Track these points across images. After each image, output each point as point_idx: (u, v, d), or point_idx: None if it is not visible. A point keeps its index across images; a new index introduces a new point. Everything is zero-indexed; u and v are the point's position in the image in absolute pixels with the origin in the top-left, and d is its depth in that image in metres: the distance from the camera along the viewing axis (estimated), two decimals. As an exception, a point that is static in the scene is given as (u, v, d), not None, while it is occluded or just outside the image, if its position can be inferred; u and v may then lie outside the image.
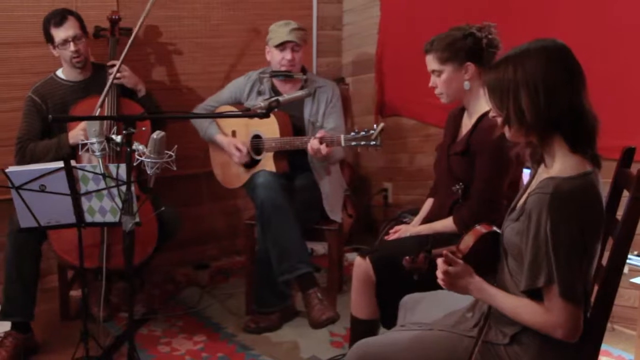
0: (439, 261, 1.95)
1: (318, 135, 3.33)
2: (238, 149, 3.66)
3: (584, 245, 1.79)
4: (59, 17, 3.40)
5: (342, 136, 3.23)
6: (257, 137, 3.64)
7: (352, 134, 3.18)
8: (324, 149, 3.29)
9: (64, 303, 3.68)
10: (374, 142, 3.12)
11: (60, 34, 3.40)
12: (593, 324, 1.92)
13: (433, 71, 2.73)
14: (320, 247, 4.53)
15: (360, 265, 2.72)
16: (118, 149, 2.69)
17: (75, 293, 3.76)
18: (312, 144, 3.32)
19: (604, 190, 1.93)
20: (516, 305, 1.88)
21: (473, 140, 2.66)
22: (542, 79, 1.81)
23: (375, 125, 3.13)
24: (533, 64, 1.82)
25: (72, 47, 3.41)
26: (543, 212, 1.77)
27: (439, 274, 1.95)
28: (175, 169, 2.49)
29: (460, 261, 1.95)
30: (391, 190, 4.85)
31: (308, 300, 3.34)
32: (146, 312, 3.74)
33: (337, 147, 3.33)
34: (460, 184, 2.69)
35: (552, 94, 1.81)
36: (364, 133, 3.14)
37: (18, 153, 3.46)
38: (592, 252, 1.85)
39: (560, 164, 1.85)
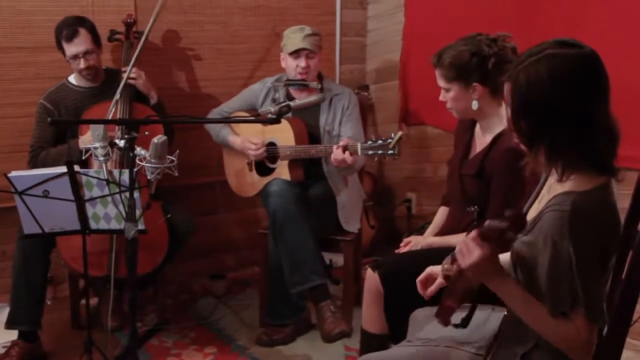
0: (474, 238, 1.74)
1: (342, 143, 3.17)
2: (253, 143, 3.52)
3: (605, 263, 1.68)
4: (70, 30, 3.31)
5: (359, 145, 3.10)
6: (272, 144, 3.53)
7: (369, 142, 3.06)
8: (348, 157, 3.13)
9: (75, 312, 3.63)
10: (392, 152, 2.99)
11: (71, 49, 3.33)
12: (610, 343, 1.78)
13: (442, 87, 2.60)
14: (340, 259, 4.40)
15: (371, 278, 2.59)
16: (121, 153, 2.62)
17: (88, 302, 3.70)
18: (336, 154, 3.15)
19: (625, 201, 1.81)
20: (542, 316, 1.72)
21: (488, 163, 2.52)
22: (549, 90, 1.65)
23: (393, 134, 3.00)
24: (545, 74, 1.65)
25: (82, 64, 3.36)
26: (563, 232, 1.64)
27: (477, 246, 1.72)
28: (176, 174, 2.40)
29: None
30: (415, 201, 4.71)
31: (320, 313, 3.24)
32: (158, 322, 3.66)
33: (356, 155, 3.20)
34: (476, 207, 2.55)
35: (559, 106, 1.66)
36: (381, 142, 3.02)
37: (30, 161, 3.43)
38: (610, 266, 1.73)
39: (576, 177, 1.71)
